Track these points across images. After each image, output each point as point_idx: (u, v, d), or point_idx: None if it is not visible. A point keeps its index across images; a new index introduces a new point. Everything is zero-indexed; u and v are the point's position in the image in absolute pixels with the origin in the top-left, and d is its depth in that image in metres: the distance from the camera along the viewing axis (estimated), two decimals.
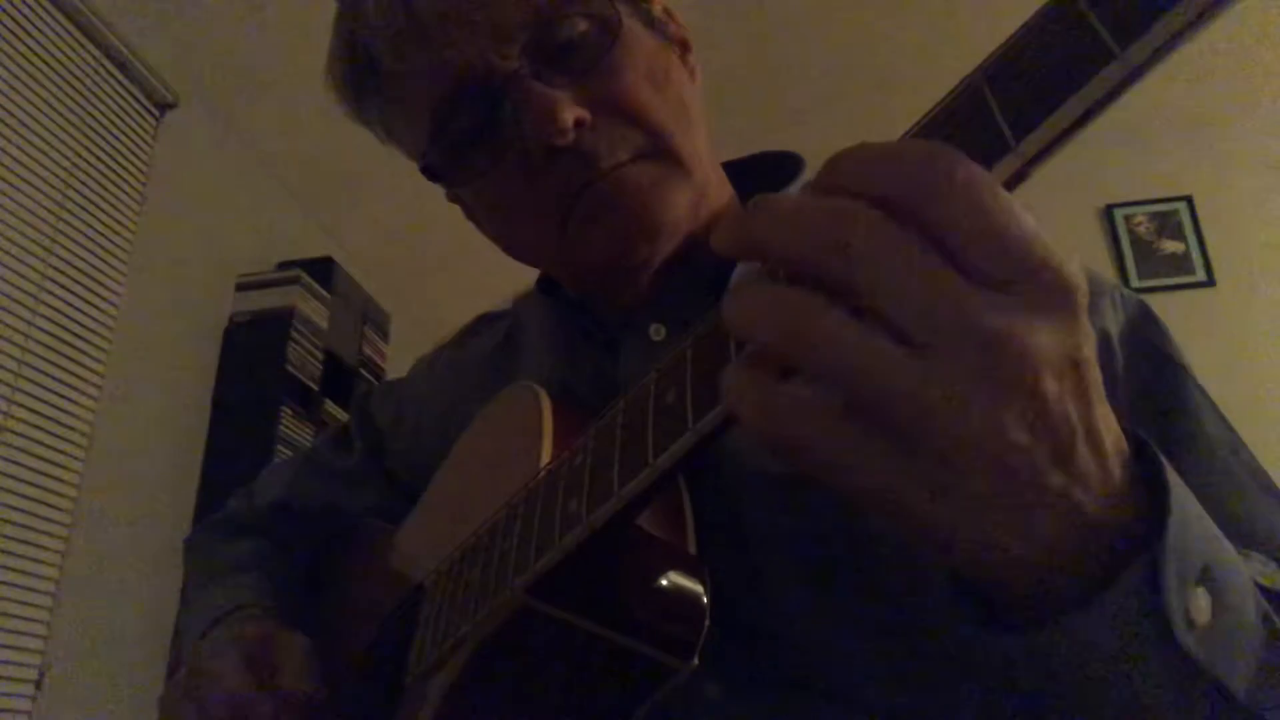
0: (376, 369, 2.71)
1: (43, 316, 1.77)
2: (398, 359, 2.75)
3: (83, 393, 1.85)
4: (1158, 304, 0.56)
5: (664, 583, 0.42)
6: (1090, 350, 0.26)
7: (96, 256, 1.92)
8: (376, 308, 2.80)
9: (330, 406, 2.44)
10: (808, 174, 0.64)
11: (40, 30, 1.81)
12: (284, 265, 2.46)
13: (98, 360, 1.90)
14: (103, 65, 1.97)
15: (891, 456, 0.25)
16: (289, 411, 2.25)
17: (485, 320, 0.76)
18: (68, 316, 1.84)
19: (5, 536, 1.64)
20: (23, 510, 1.68)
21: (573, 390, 0.58)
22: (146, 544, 1.93)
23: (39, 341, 1.76)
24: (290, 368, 2.28)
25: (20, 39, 1.76)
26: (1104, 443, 0.27)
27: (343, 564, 0.74)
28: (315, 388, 2.38)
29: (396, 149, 0.63)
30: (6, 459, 1.66)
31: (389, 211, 2.69)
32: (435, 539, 0.57)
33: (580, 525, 0.37)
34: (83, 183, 1.90)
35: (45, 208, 1.80)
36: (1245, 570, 0.31)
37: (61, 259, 1.83)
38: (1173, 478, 0.29)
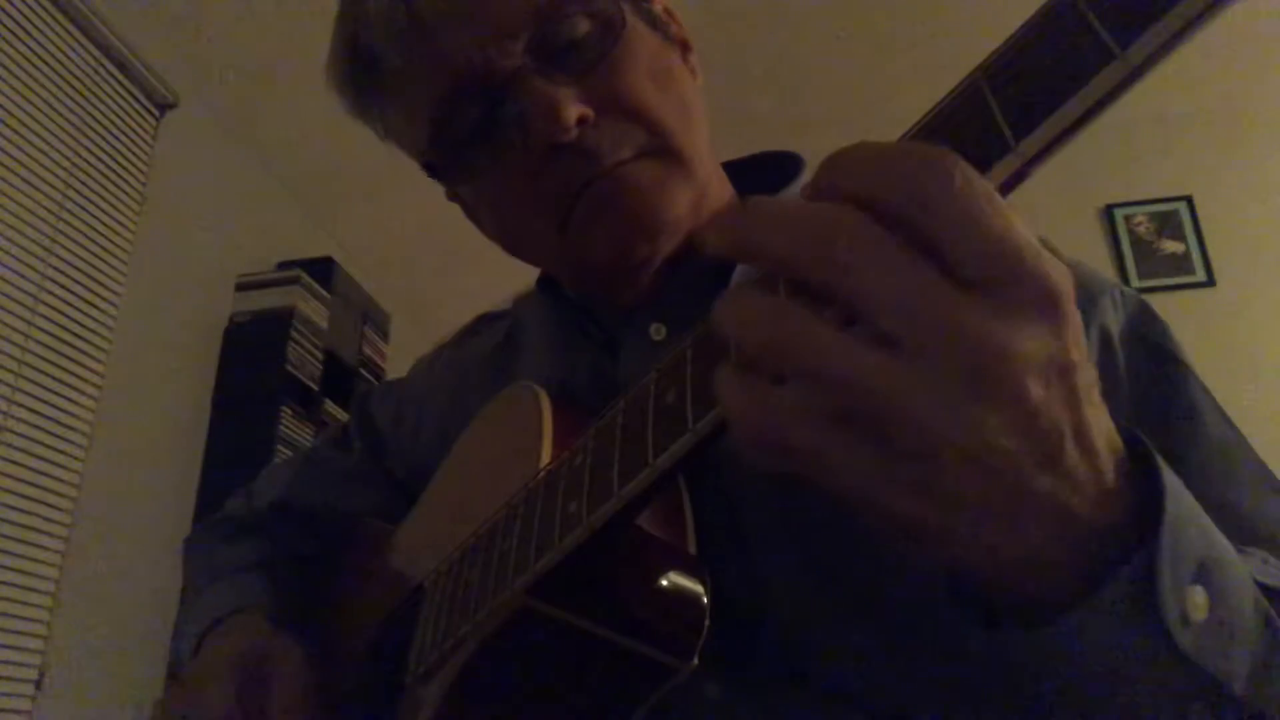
0: (376, 369, 2.71)
1: (43, 316, 1.77)
2: (398, 359, 2.75)
3: (83, 393, 1.85)
4: (1158, 304, 0.56)
5: (664, 583, 0.42)
6: (1080, 353, 0.26)
7: (96, 256, 1.92)
8: (376, 308, 2.79)
9: (330, 406, 2.43)
10: (807, 174, 0.64)
11: (40, 30, 1.81)
12: (284, 265, 2.46)
13: (98, 360, 1.90)
14: (103, 65, 1.97)
15: (879, 460, 0.25)
16: (289, 411, 2.25)
17: (485, 320, 0.76)
18: (68, 316, 1.84)
19: (5, 536, 1.64)
20: (23, 510, 1.68)
21: (572, 390, 0.58)
22: (147, 544, 1.93)
23: (39, 341, 1.76)
24: (290, 368, 2.28)
25: (20, 39, 1.76)
26: (1095, 444, 0.27)
27: (343, 564, 0.74)
28: (315, 388, 2.38)
29: (396, 147, 0.63)
30: (6, 459, 1.66)
31: (389, 211, 2.69)
32: (435, 539, 0.57)
33: (580, 526, 0.37)
34: (83, 183, 1.90)
35: (45, 208, 1.80)
36: (1243, 568, 0.31)
37: (61, 259, 1.83)
38: (1168, 476, 0.29)
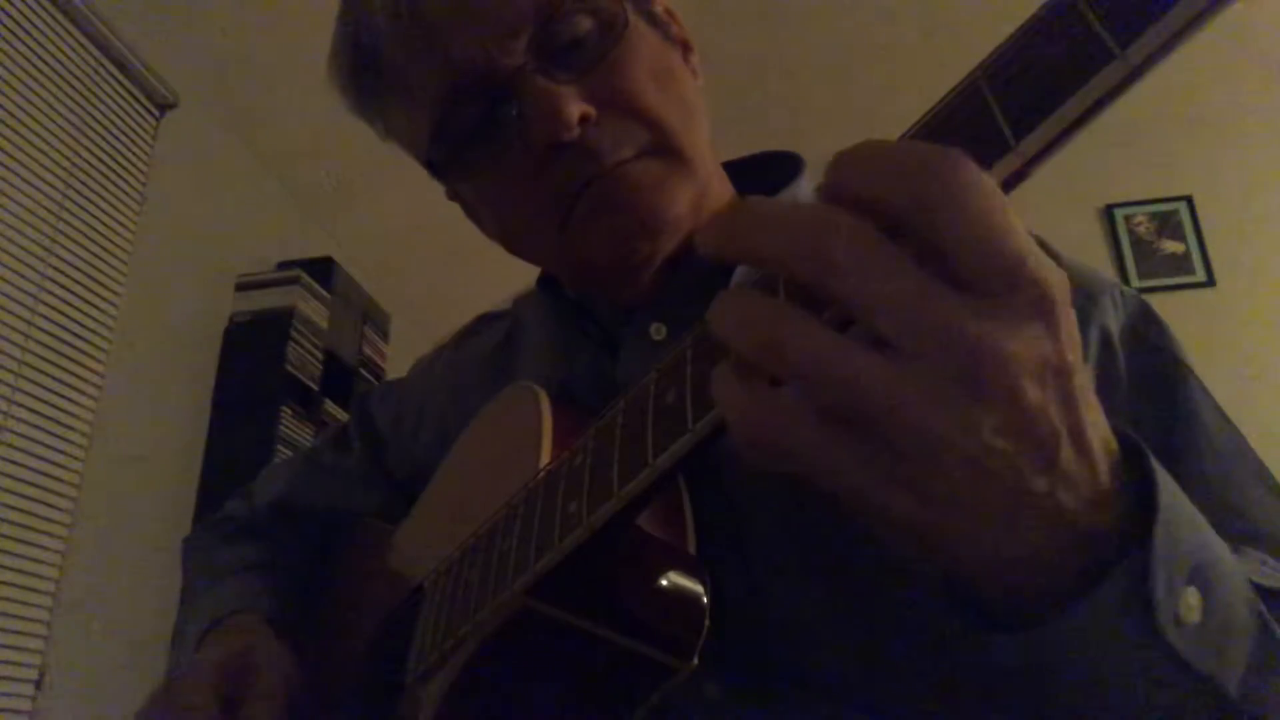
0: (376, 369, 2.71)
1: (43, 316, 1.77)
2: (398, 359, 2.76)
3: (83, 393, 1.85)
4: (1158, 304, 0.55)
5: (664, 583, 0.42)
6: (1075, 355, 0.26)
7: (96, 256, 1.92)
8: (376, 308, 2.80)
9: (330, 406, 2.44)
10: (808, 174, 0.64)
11: (40, 30, 1.81)
12: (284, 265, 2.46)
13: (98, 360, 1.90)
14: (103, 65, 1.97)
15: (876, 461, 0.26)
16: (289, 411, 2.25)
17: (485, 320, 0.76)
18: (68, 316, 1.84)
19: (5, 536, 1.64)
20: (23, 510, 1.68)
21: (572, 390, 0.58)
22: (146, 544, 1.93)
23: (39, 341, 1.76)
24: (290, 368, 2.28)
25: (20, 39, 1.76)
26: (1091, 446, 0.27)
27: (342, 564, 0.74)
28: (315, 388, 2.38)
29: (397, 145, 0.63)
30: (6, 459, 1.66)
31: (389, 211, 2.69)
32: (435, 539, 0.57)
33: (580, 526, 0.37)
34: (83, 183, 1.90)
35: (45, 208, 1.80)
36: (1238, 569, 0.31)
37: (61, 259, 1.83)
38: (1161, 478, 0.29)
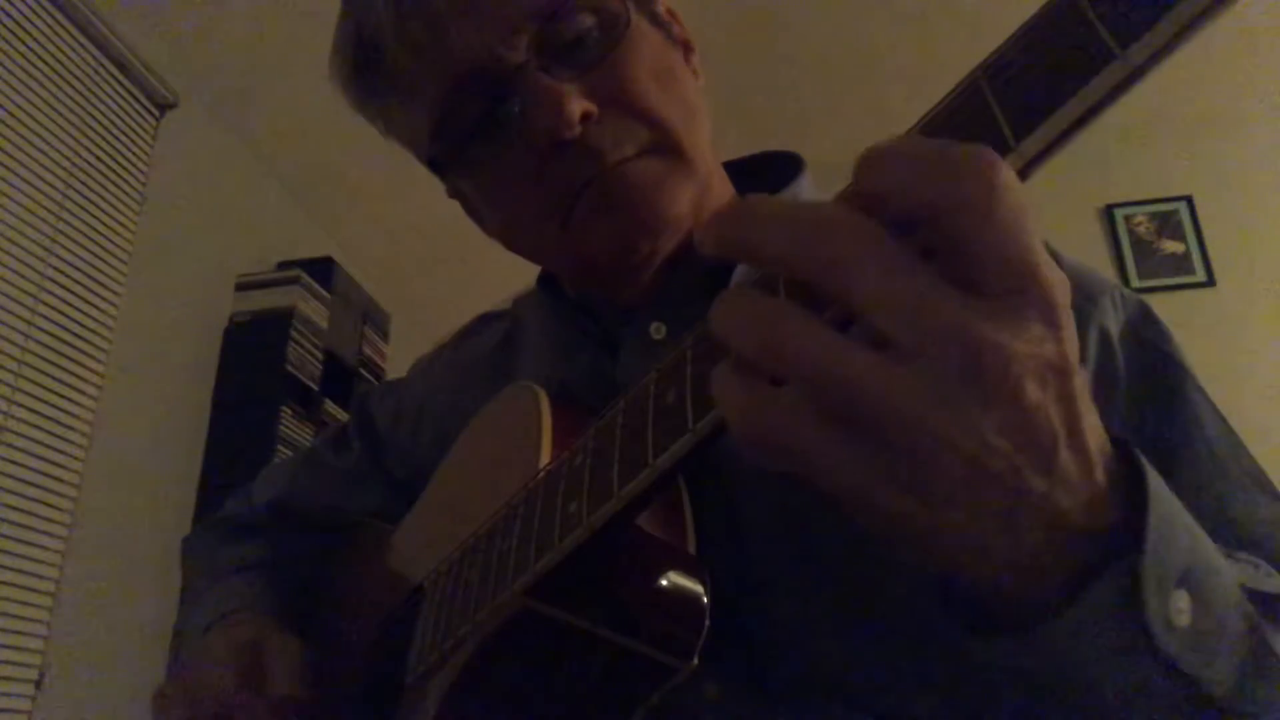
0: (376, 369, 2.71)
1: (43, 316, 1.77)
2: (398, 359, 2.76)
3: (83, 393, 1.85)
4: (1158, 304, 0.55)
5: (664, 583, 0.42)
6: (1075, 356, 0.26)
7: (96, 256, 1.92)
8: (376, 308, 2.80)
9: (330, 406, 2.44)
10: (808, 175, 0.64)
11: (40, 30, 1.81)
12: (284, 265, 2.46)
13: (98, 360, 1.90)
14: (103, 65, 1.97)
15: (876, 460, 0.25)
16: (289, 411, 2.25)
17: (485, 320, 0.76)
18: (68, 316, 1.84)
19: (5, 536, 1.64)
20: (23, 510, 1.68)
21: (572, 390, 0.58)
22: (146, 544, 1.93)
23: (39, 341, 1.76)
24: (290, 368, 2.28)
25: (20, 39, 1.76)
26: (1088, 447, 0.27)
27: (342, 564, 0.74)
28: (315, 388, 2.38)
29: (398, 144, 0.63)
30: (6, 459, 1.66)
31: (389, 211, 2.69)
32: (434, 539, 0.57)
33: (580, 526, 0.37)
34: (83, 183, 1.90)
35: (45, 208, 1.80)
36: (1229, 573, 0.31)
37: (61, 259, 1.83)
38: (1153, 481, 0.29)
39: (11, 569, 1.65)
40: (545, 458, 0.46)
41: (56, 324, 1.81)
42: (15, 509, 1.66)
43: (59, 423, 1.78)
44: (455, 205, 0.66)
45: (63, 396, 1.80)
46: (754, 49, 2.31)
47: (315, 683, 0.57)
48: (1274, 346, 2.37)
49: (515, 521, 0.44)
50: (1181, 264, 2.54)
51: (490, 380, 0.64)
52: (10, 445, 1.67)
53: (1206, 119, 2.57)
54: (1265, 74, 2.44)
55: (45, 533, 1.73)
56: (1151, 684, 0.28)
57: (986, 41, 0.28)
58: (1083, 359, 0.49)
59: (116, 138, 2.00)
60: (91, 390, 1.88)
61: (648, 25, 0.56)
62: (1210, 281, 2.51)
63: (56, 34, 1.85)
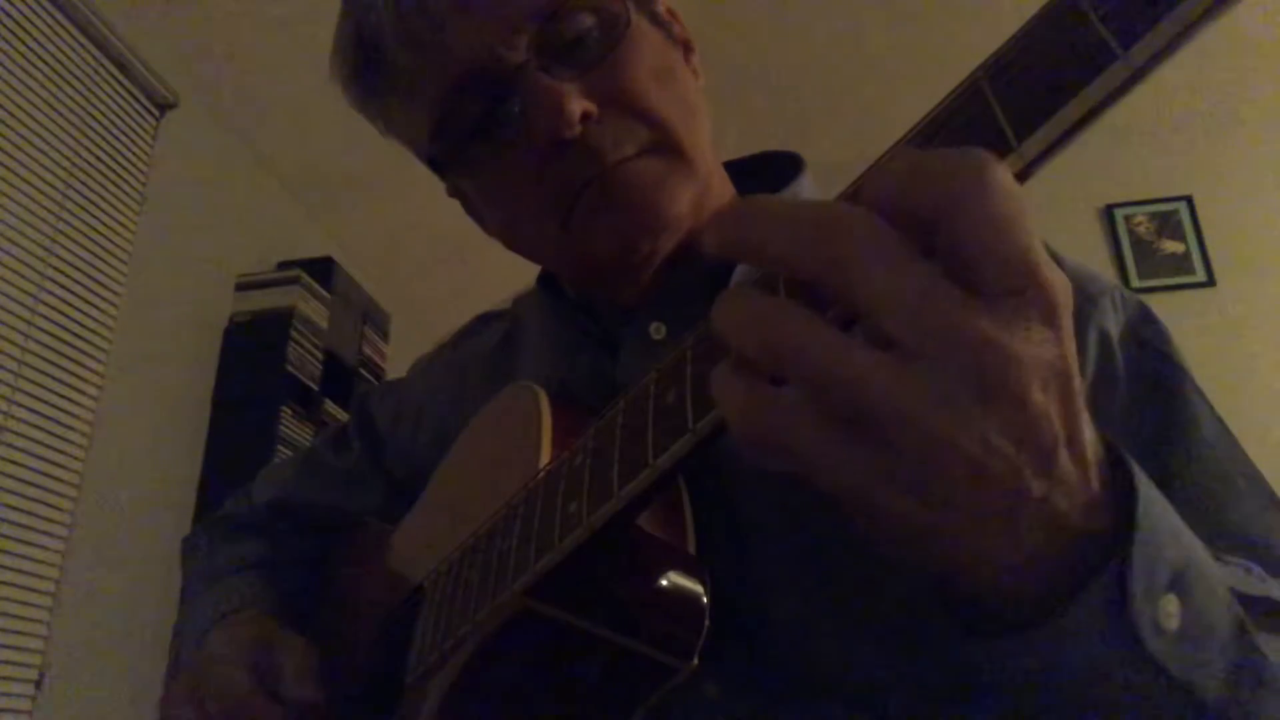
0: (376, 369, 2.71)
1: (42, 316, 1.77)
2: (398, 359, 2.76)
3: (83, 393, 1.85)
4: (1158, 304, 0.55)
5: (664, 583, 0.42)
6: (1075, 359, 0.26)
7: (96, 256, 1.92)
8: (376, 308, 2.80)
9: (330, 406, 2.44)
10: (808, 175, 0.64)
11: (40, 30, 1.81)
12: (284, 265, 2.46)
13: (98, 360, 1.90)
14: (103, 65, 1.97)
15: (876, 462, 0.25)
16: (289, 411, 2.25)
17: (484, 320, 0.76)
18: (68, 316, 1.84)
19: (5, 536, 1.64)
20: (23, 510, 1.68)
21: (572, 389, 0.58)
22: (146, 544, 1.93)
23: (39, 341, 1.76)
24: (290, 368, 2.28)
25: (20, 39, 1.76)
26: (1085, 451, 0.27)
27: (342, 564, 0.74)
28: (315, 388, 2.38)
29: (397, 142, 0.63)
30: (6, 459, 1.66)
31: (389, 211, 2.69)
32: (434, 539, 0.57)
33: (580, 526, 0.37)
34: (83, 183, 1.90)
35: (45, 208, 1.80)
36: (1220, 577, 0.31)
37: (61, 259, 1.83)
38: (1143, 485, 0.29)
39: (11, 569, 1.65)
40: (545, 458, 0.46)
41: (56, 324, 1.81)
42: (15, 509, 1.66)
43: (59, 423, 1.78)
44: (455, 205, 0.66)
45: (63, 396, 1.80)
46: (754, 49, 2.31)
47: (322, 682, 0.57)
48: (1274, 346, 2.37)
49: (515, 521, 0.44)
50: (1181, 264, 2.54)
51: (490, 380, 0.64)
52: (10, 445, 1.67)
53: (1206, 119, 2.57)
54: (1265, 74, 2.44)
55: (45, 533, 1.73)
56: (1142, 687, 0.28)
57: (987, 42, 0.28)
58: (1082, 360, 0.49)
59: (116, 138, 2.00)
60: (91, 390, 1.88)
61: (648, 25, 0.56)
62: (1210, 281, 2.51)
63: (56, 34, 1.85)
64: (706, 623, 0.41)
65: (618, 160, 0.52)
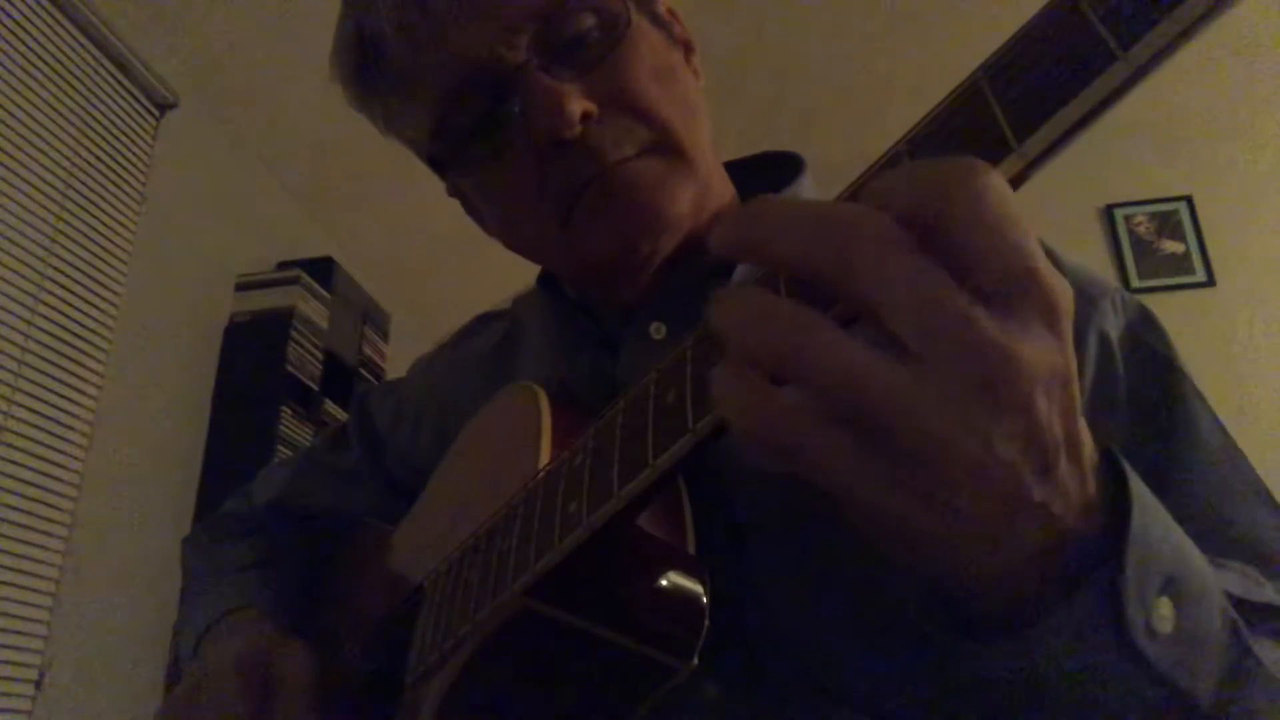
0: (376, 369, 2.71)
1: (43, 316, 1.77)
2: (398, 359, 2.76)
3: (83, 393, 1.85)
4: (1158, 304, 0.55)
5: (664, 583, 0.42)
6: (1074, 364, 0.26)
7: (96, 256, 1.92)
8: (376, 308, 2.80)
9: (330, 406, 2.44)
10: (808, 175, 0.64)
11: (40, 30, 1.81)
12: (284, 265, 2.46)
13: (98, 360, 1.90)
14: (103, 65, 1.97)
15: (878, 463, 0.25)
16: (289, 411, 2.25)
17: (484, 320, 0.76)
18: (68, 316, 1.84)
19: (5, 536, 1.64)
20: (23, 510, 1.68)
21: (572, 389, 0.58)
22: (146, 544, 1.93)
23: (39, 341, 1.76)
24: (290, 368, 2.28)
25: (20, 39, 1.76)
26: (1082, 455, 0.27)
27: (341, 564, 0.74)
28: (315, 388, 2.38)
29: (397, 141, 0.63)
30: (6, 459, 1.66)
31: (389, 211, 2.69)
32: (434, 539, 0.57)
33: (580, 526, 0.37)
34: (83, 183, 1.90)
35: (45, 208, 1.80)
36: (1214, 581, 0.31)
37: (61, 259, 1.83)
38: (1136, 488, 0.29)
39: (11, 569, 1.65)
40: (545, 458, 0.46)
41: (56, 324, 1.80)
42: (15, 509, 1.66)
43: (59, 423, 1.78)
44: (455, 205, 0.66)
45: (63, 396, 1.80)
46: (754, 49, 2.31)
47: (322, 683, 0.57)
48: (1274, 346, 2.37)
49: (515, 521, 0.44)
50: (1181, 264, 2.54)
51: (490, 380, 0.64)
52: (10, 445, 1.67)
53: (1206, 119, 2.57)
54: (1266, 74, 2.44)
55: (45, 533, 1.73)
56: (1136, 690, 0.28)
57: (987, 42, 0.28)
58: (1082, 363, 0.49)
59: (116, 138, 2.00)
60: (91, 390, 1.88)
61: (648, 25, 0.56)
62: (1210, 281, 2.51)
63: (56, 34, 1.85)
64: (706, 623, 0.41)
65: (618, 160, 0.52)
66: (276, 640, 0.60)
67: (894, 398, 0.24)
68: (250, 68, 2.22)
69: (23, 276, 1.74)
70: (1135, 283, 2.52)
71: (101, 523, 1.85)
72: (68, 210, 1.85)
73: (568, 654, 0.42)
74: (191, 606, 0.72)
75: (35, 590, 1.69)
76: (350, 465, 0.77)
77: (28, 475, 1.70)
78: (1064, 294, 0.26)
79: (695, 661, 0.41)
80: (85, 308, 1.88)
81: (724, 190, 0.61)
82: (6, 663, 1.62)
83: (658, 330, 0.56)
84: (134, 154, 2.06)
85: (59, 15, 1.85)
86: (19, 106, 1.75)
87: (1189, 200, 2.58)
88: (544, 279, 0.70)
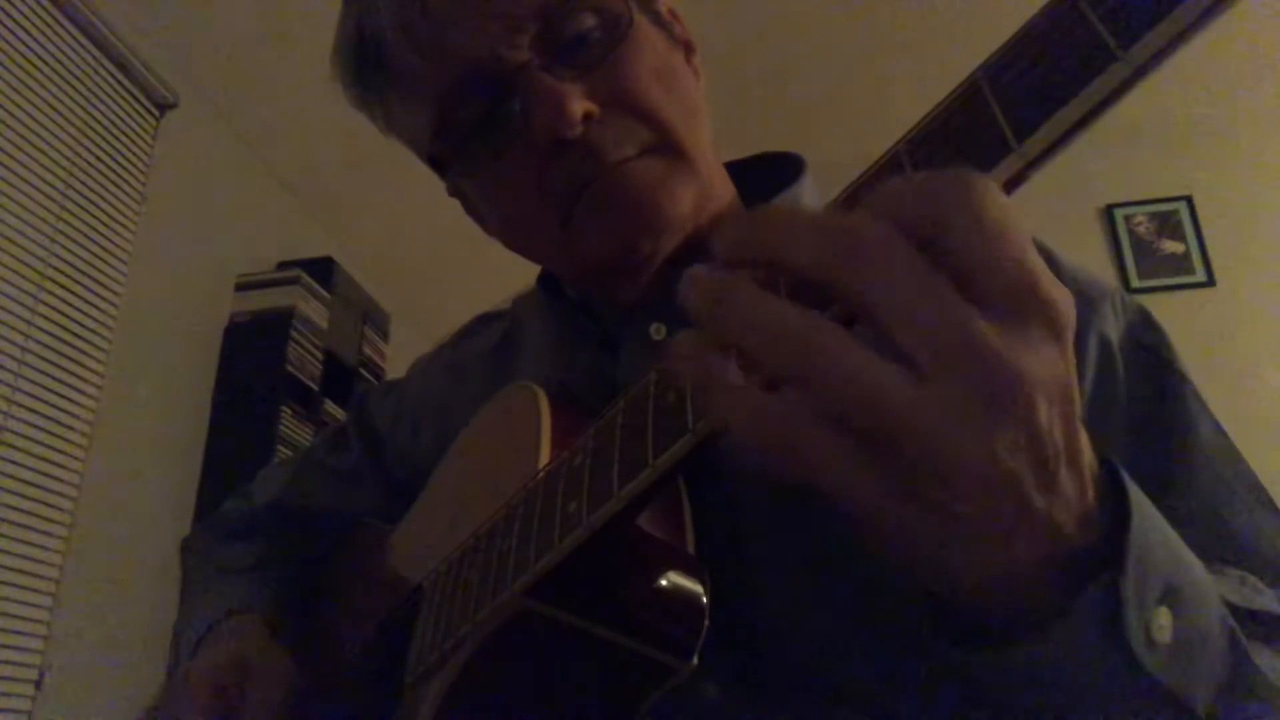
0: (376, 369, 2.71)
1: (43, 316, 1.77)
2: (398, 359, 2.75)
3: (83, 393, 1.85)
4: (1158, 304, 0.55)
5: (664, 583, 0.42)
6: (1075, 375, 0.26)
7: (96, 256, 1.92)
8: (376, 308, 2.80)
9: (330, 406, 2.44)
10: (808, 176, 0.63)
11: (40, 30, 1.81)
12: (284, 265, 2.46)
13: (98, 360, 1.90)
14: (103, 65, 1.97)
15: (881, 471, 0.25)
16: (289, 411, 2.25)
17: (484, 320, 0.76)
18: (68, 316, 1.84)
19: (5, 536, 1.64)
20: (23, 510, 1.68)
21: (572, 390, 0.58)
22: (146, 544, 1.93)
23: (39, 341, 1.76)
24: (290, 368, 2.28)
25: (20, 39, 1.76)
26: (1083, 465, 0.27)
27: (341, 565, 0.74)
28: (315, 388, 2.38)
29: (398, 141, 0.63)
30: (6, 459, 1.66)
31: (389, 212, 2.69)
32: (433, 539, 0.57)
33: (580, 526, 0.37)
34: (83, 183, 1.90)
35: (45, 208, 1.80)
36: (1213, 589, 0.31)
37: (61, 259, 1.83)
38: (1135, 497, 0.29)
39: (11, 569, 1.65)
40: (545, 458, 0.46)
41: (56, 324, 1.80)
42: (15, 509, 1.66)
43: (59, 423, 1.78)
44: (455, 205, 0.66)
45: (63, 396, 1.80)
46: (755, 49, 2.31)
47: (303, 693, 0.57)
48: (1274, 346, 2.37)
49: (515, 521, 0.44)
50: (1181, 264, 2.54)
51: (490, 380, 0.64)
52: (10, 445, 1.67)
53: (1206, 119, 2.57)
54: (1265, 74, 2.44)
55: (45, 533, 1.73)
56: (1135, 699, 0.28)
57: (987, 42, 0.28)
58: (1082, 366, 0.49)
59: (116, 138, 2.00)
60: (91, 390, 1.88)
61: (649, 25, 0.56)
62: (1210, 281, 2.51)
63: (56, 34, 1.85)
64: (706, 623, 0.41)
65: (618, 160, 0.52)
66: (258, 650, 0.60)
67: (897, 406, 0.24)
68: (250, 68, 2.22)
69: (23, 276, 1.74)
70: (1135, 283, 2.52)
71: (101, 523, 1.85)
72: (68, 210, 1.85)
73: (568, 654, 0.42)
74: (191, 607, 0.72)
75: (35, 590, 1.69)
76: (350, 465, 0.77)
77: (28, 476, 1.70)
78: (1065, 304, 0.26)
79: (695, 661, 0.41)
80: (85, 308, 1.88)
81: (724, 190, 0.61)
82: (6, 663, 1.62)
83: (658, 331, 0.56)
84: (134, 154, 2.06)
85: (59, 15, 1.85)
86: (19, 106, 1.75)
87: (1189, 200, 2.58)
88: (544, 279, 0.70)
